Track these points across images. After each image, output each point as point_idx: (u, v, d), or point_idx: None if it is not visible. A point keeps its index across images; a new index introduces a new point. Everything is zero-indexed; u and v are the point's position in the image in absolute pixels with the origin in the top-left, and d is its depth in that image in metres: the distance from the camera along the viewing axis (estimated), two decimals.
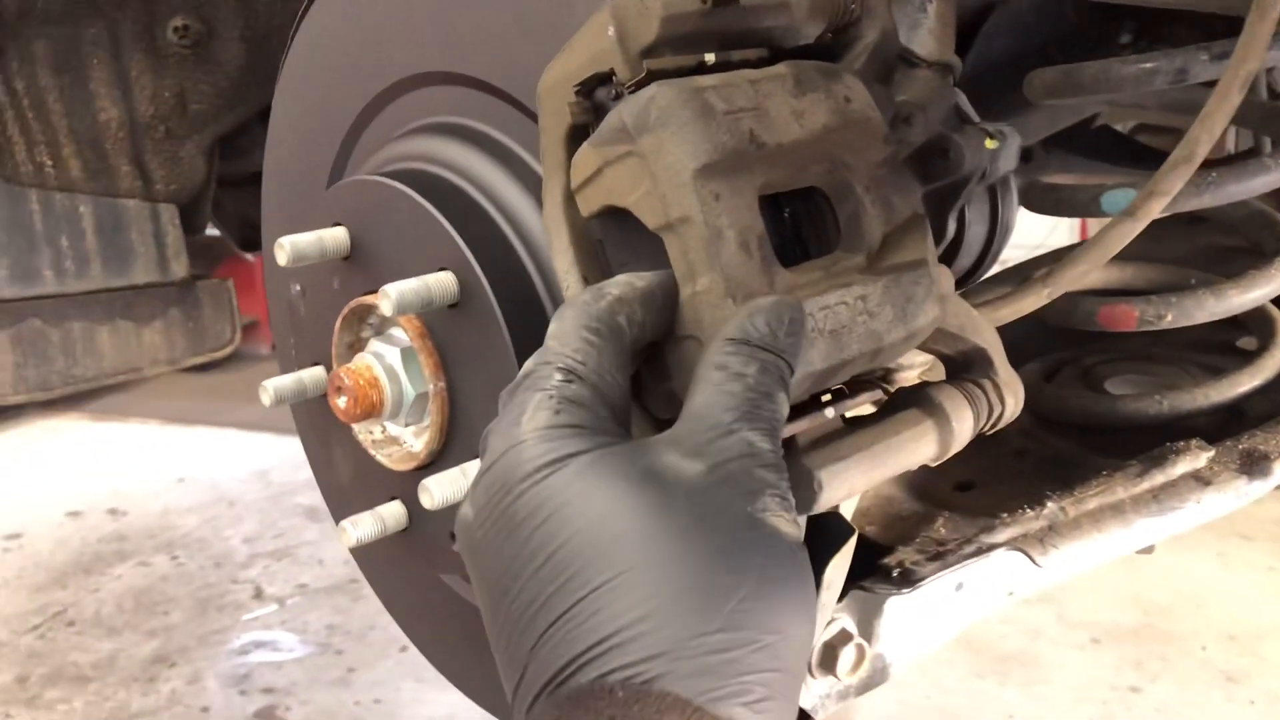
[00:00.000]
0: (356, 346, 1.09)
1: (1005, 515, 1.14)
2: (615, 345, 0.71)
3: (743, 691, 0.62)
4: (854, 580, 1.04)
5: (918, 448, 0.86)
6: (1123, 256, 1.05)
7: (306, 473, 1.32)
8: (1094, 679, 2.73)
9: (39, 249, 1.65)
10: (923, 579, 1.07)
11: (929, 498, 1.21)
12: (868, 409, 0.89)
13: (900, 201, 0.84)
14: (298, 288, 1.15)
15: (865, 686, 1.08)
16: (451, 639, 1.22)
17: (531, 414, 0.68)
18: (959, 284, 1.03)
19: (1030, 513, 1.14)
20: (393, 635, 2.90)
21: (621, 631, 0.62)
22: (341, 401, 1.02)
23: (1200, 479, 1.17)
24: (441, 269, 0.97)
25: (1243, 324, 1.46)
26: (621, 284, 0.74)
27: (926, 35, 1.04)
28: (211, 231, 2.08)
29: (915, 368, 0.94)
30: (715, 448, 0.67)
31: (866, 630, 1.05)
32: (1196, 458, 1.18)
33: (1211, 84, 0.98)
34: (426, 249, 0.98)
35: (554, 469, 0.66)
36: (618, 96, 0.79)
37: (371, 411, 1.02)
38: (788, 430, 0.81)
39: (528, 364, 0.72)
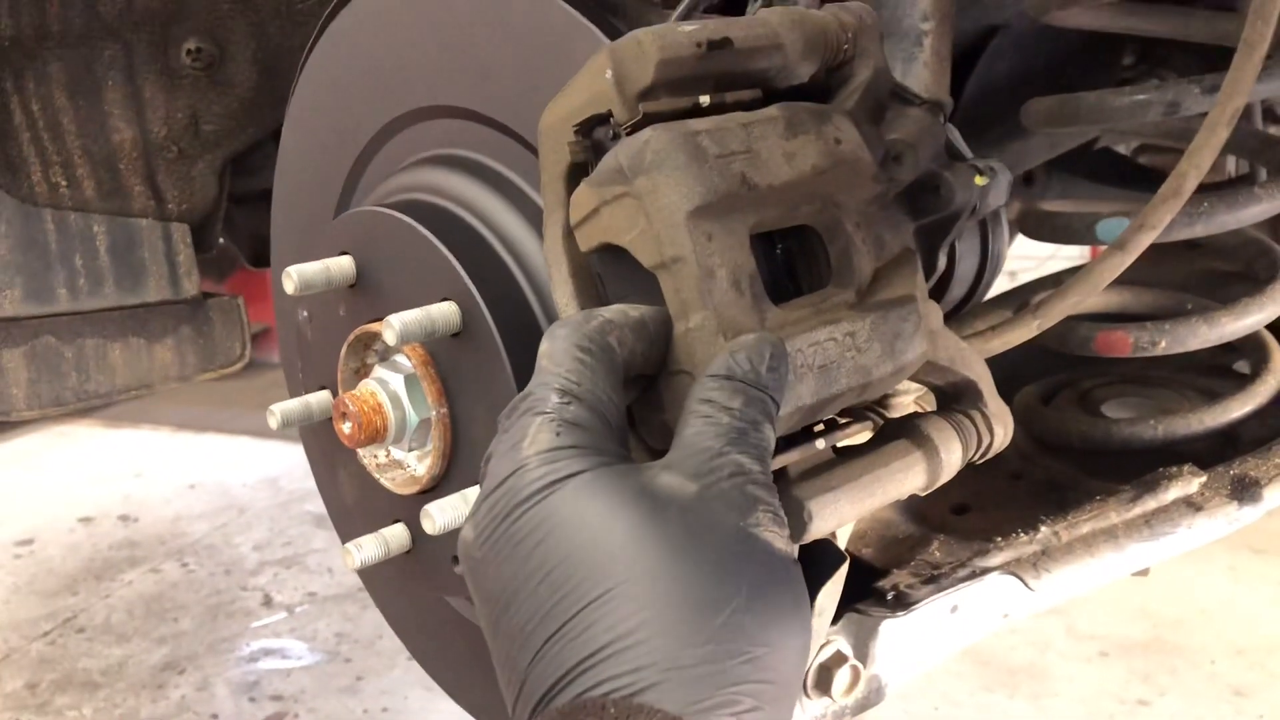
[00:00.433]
0: (362, 372, 1.11)
1: (999, 539, 1.16)
2: (607, 364, 0.73)
3: (730, 703, 0.63)
4: (849, 603, 1.06)
5: (907, 478, 0.88)
6: (1120, 281, 1.07)
7: None
8: (1103, 692, 2.73)
9: (53, 268, 1.68)
10: (917, 602, 1.08)
11: (925, 521, 1.23)
12: (860, 438, 0.91)
13: (891, 237, 0.86)
14: (305, 314, 1.17)
15: (861, 707, 1.09)
16: (454, 656, 1.24)
17: (533, 437, 0.70)
18: (950, 315, 1.05)
19: (1024, 537, 1.15)
20: (401, 644, 2.92)
21: (612, 644, 0.63)
22: (346, 427, 1.05)
23: (1192, 504, 1.19)
24: (445, 299, 0.99)
25: (1238, 348, 1.47)
26: (614, 310, 0.76)
27: (922, 69, 1.06)
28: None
29: (909, 394, 0.96)
30: (707, 468, 0.69)
31: (862, 652, 1.06)
32: (1189, 483, 1.20)
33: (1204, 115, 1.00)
34: (430, 279, 1.01)
35: (553, 489, 0.68)
36: (615, 137, 0.81)
37: (375, 437, 1.04)
38: (779, 461, 0.83)
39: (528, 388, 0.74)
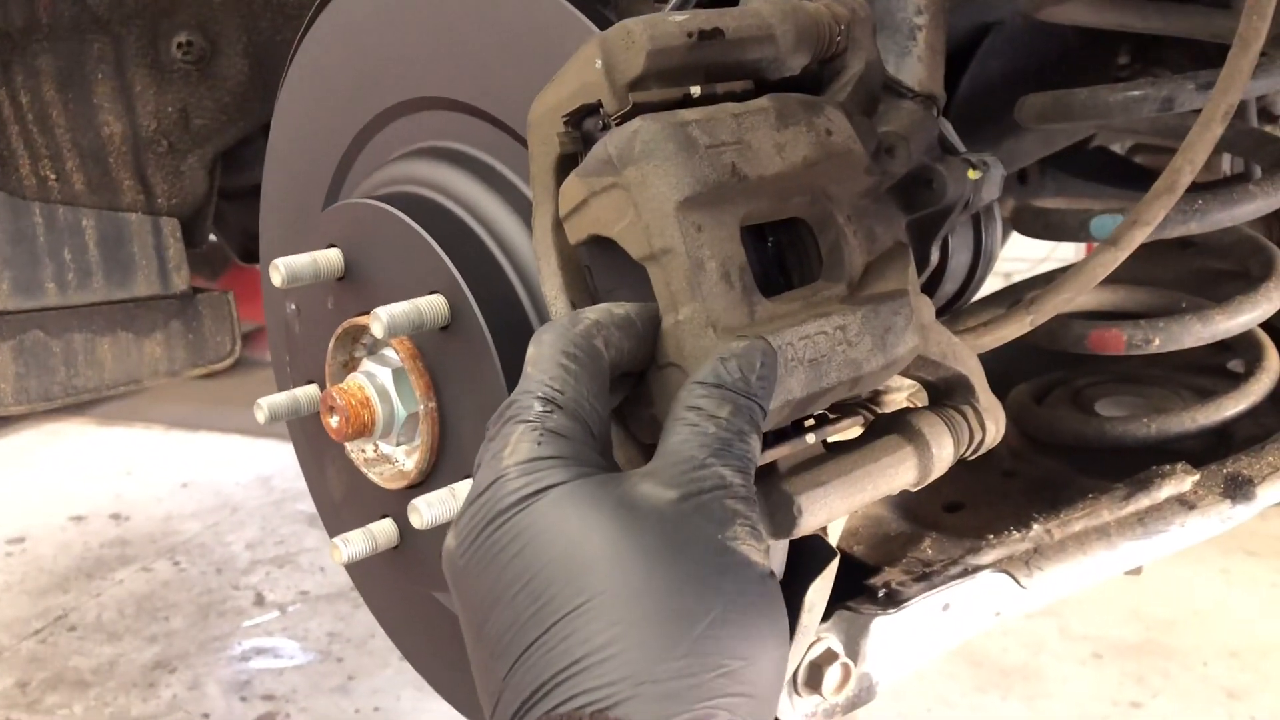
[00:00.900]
0: (350, 366, 1.11)
1: (992, 537, 1.15)
2: (592, 370, 0.73)
3: (706, 716, 0.63)
4: (840, 600, 1.05)
5: (898, 474, 0.87)
6: (1114, 279, 1.07)
7: None
8: (1096, 694, 2.73)
9: (42, 262, 1.67)
10: (908, 600, 1.08)
11: (917, 518, 1.22)
12: (851, 434, 0.90)
13: (883, 231, 0.86)
14: (293, 307, 1.16)
15: (851, 705, 1.09)
16: (441, 653, 1.24)
17: (514, 446, 0.70)
18: (943, 311, 1.04)
19: (1016, 534, 1.15)
20: (392, 644, 2.91)
21: (588, 657, 0.63)
22: (334, 420, 1.04)
23: (1185, 503, 1.18)
24: (433, 292, 0.98)
25: (1232, 346, 1.47)
26: (600, 310, 0.76)
27: (915, 63, 1.05)
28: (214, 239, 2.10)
29: (902, 390, 0.96)
30: (688, 479, 0.69)
31: (852, 650, 1.06)
32: (1182, 481, 1.19)
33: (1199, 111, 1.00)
34: (418, 272, 1.00)
35: (533, 500, 0.68)
36: (605, 128, 0.80)
37: (363, 431, 1.04)
38: (769, 455, 0.83)
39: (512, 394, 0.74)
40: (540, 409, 0.71)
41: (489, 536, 0.68)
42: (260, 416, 1.11)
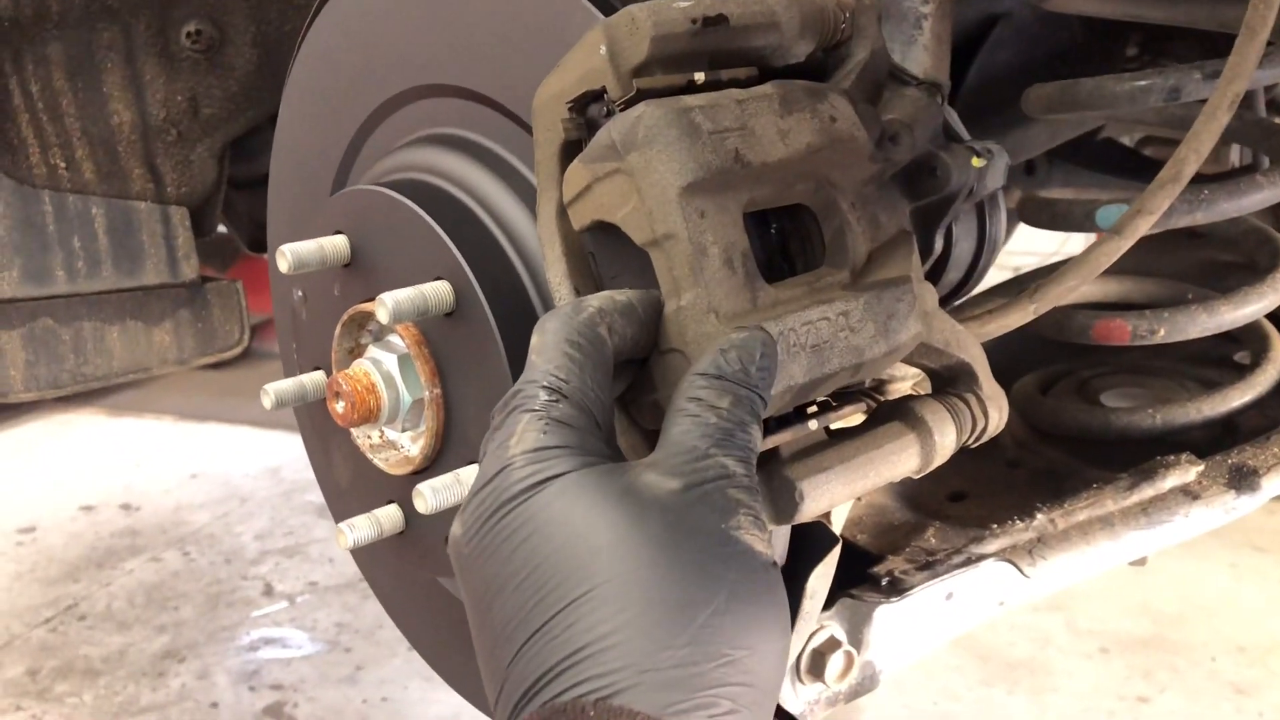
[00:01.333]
0: (356, 352, 1.11)
1: (995, 526, 1.15)
2: (596, 358, 0.73)
3: (708, 705, 0.63)
4: (843, 588, 1.06)
5: (900, 460, 0.87)
6: (1120, 270, 1.06)
7: None
8: (1102, 688, 2.73)
9: (51, 250, 1.68)
10: (911, 588, 1.08)
11: (921, 507, 1.23)
12: (853, 420, 0.91)
13: (886, 218, 0.86)
14: (300, 293, 1.17)
15: (854, 693, 1.09)
16: (447, 639, 1.24)
17: (520, 435, 0.70)
18: (947, 299, 1.04)
19: (1020, 524, 1.15)
20: (401, 634, 2.92)
21: (591, 645, 0.63)
22: (339, 406, 1.04)
23: (1189, 493, 1.18)
24: (438, 278, 0.99)
25: (1238, 338, 1.46)
26: (603, 297, 0.76)
27: (921, 51, 1.05)
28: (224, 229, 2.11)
29: (907, 379, 0.96)
30: (691, 469, 0.69)
31: (855, 638, 1.06)
32: (1186, 472, 1.19)
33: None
34: (424, 258, 1.00)
35: (538, 489, 0.68)
36: (609, 114, 0.80)
37: (369, 417, 1.04)
38: (772, 441, 0.83)
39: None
40: (546, 398, 0.71)
41: (495, 525, 0.69)
42: (267, 402, 1.11)
